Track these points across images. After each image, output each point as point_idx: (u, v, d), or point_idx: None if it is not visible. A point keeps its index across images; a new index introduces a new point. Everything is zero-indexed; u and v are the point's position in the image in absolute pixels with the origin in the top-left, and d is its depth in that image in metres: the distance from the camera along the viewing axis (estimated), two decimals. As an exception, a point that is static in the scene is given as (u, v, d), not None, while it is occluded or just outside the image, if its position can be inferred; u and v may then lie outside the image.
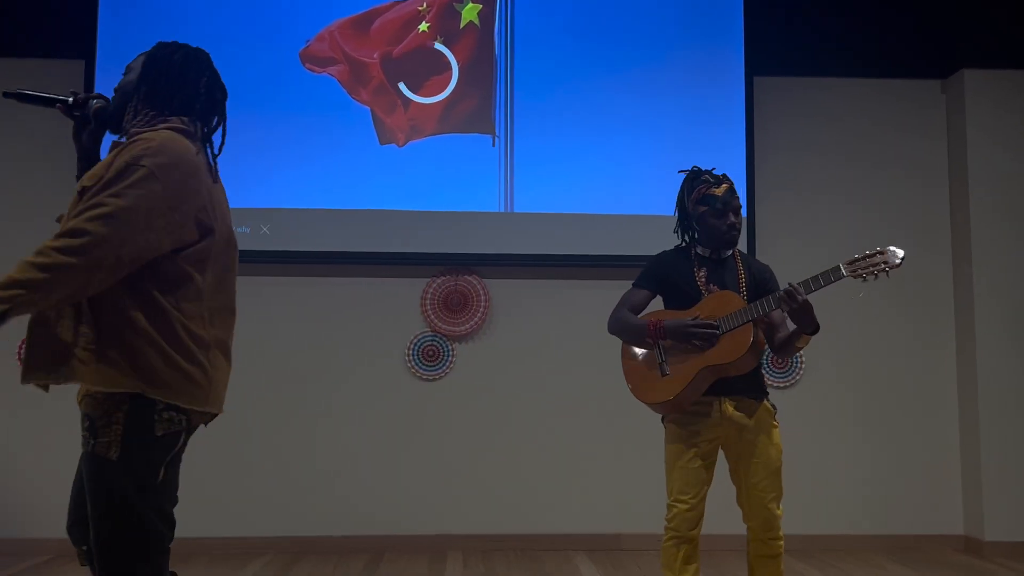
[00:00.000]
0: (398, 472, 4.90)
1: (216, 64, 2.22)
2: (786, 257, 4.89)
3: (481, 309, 4.98)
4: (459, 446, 4.94)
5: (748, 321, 2.87)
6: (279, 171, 4.88)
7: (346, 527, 4.83)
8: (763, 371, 5.00)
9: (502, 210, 4.96)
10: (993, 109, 5.09)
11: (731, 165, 4.91)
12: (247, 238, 4.79)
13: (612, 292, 4.88)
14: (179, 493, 2.06)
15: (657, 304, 3.13)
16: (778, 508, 2.95)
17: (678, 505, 2.93)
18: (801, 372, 5.07)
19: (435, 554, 4.76)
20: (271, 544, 4.77)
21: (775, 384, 5.05)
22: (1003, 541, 4.83)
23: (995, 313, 4.97)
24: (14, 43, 4.99)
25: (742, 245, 4.97)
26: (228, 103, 2.23)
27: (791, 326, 2.98)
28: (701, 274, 3.02)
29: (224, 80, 2.24)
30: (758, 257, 4.92)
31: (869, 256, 2.81)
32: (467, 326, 4.98)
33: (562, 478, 4.94)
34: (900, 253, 2.79)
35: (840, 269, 2.81)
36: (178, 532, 2.05)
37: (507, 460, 4.95)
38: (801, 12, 5.26)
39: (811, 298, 2.81)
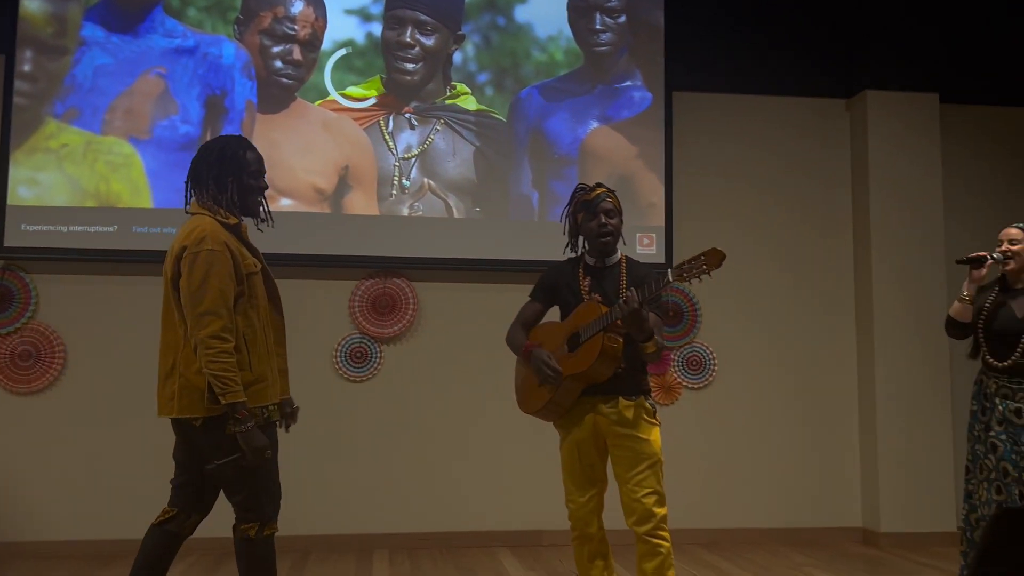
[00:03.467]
0: (323, 472, 4.95)
1: None
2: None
3: (409, 312, 5.08)
4: (385, 446, 5.03)
5: (599, 331, 2.91)
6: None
7: (272, 527, 4.85)
8: (674, 371, 5.25)
9: (433, 214, 5.08)
10: (889, 123, 5.42)
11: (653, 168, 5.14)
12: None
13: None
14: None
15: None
16: (656, 505, 2.95)
17: (570, 505, 3.11)
18: (714, 373, 5.31)
19: (362, 553, 4.84)
20: (197, 545, 4.76)
21: (689, 385, 5.28)
22: (897, 532, 5.15)
23: (893, 311, 5.27)
24: None
25: (659, 253, 5.19)
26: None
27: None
28: (586, 283, 3.10)
29: None
30: (674, 258, 5.10)
31: (694, 260, 2.79)
32: (395, 328, 5.07)
33: (485, 477, 5.08)
34: (720, 254, 2.76)
35: (667, 275, 2.81)
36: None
37: (431, 459, 5.06)
38: (721, 32, 5.51)
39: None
